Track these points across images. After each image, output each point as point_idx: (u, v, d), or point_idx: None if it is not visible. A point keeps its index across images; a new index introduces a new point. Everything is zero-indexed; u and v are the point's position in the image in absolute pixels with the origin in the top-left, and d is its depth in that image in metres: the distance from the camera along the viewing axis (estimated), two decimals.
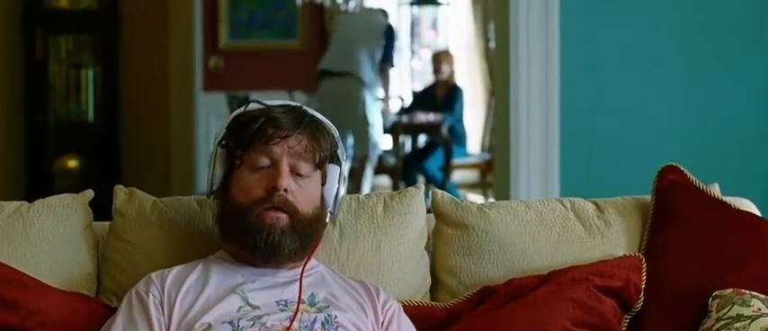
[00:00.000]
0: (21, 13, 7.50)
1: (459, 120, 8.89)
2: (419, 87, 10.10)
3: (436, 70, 8.95)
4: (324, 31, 9.74)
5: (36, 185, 7.42)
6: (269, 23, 9.40)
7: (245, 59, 9.28)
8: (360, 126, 7.86)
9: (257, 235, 2.18)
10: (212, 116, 8.57)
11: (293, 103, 2.31)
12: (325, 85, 7.84)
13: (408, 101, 9.37)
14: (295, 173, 2.23)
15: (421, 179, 8.76)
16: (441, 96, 8.84)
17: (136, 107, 7.72)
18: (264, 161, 2.22)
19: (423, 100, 9.08)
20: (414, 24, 10.53)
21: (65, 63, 7.67)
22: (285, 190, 2.19)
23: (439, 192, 2.58)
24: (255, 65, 9.27)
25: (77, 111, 7.66)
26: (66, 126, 7.66)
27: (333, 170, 2.30)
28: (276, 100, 2.32)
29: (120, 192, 2.50)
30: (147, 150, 7.79)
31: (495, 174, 4.44)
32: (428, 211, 2.58)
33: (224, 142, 2.27)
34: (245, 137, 2.23)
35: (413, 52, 10.48)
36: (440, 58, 9.04)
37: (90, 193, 2.52)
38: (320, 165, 2.27)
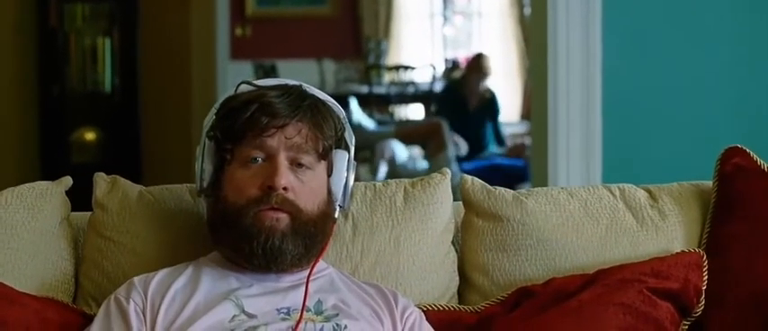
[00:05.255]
0: None
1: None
2: (451, 55, 9.85)
3: (475, 82, 8.14)
4: None
5: (52, 159, 7.38)
6: None
7: (272, 27, 9.31)
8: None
9: (254, 240, 1.98)
10: None
11: (291, 82, 2.09)
12: None
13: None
14: (296, 164, 2.00)
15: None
16: (473, 106, 8.05)
17: (155, 77, 7.63)
18: (259, 155, 2.00)
19: (451, 102, 8.29)
20: None
21: (80, 31, 7.56)
22: (285, 188, 1.97)
23: (469, 177, 2.38)
24: (284, 33, 9.42)
25: (94, 81, 7.59)
26: (82, 97, 7.60)
27: (340, 156, 2.07)
28: (271, 79, 2.12)
29: (101, 180, 2.28)
30: (167, 121, 7.70)
31: (531, 158, 4.25)
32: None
33: (212, 133, 2.03)
34: (236, 127, 2.00)
35: (445, 18, 10.32)
36: (478, 72, 8.20)
37: (68, 181, 2.29)
38: (324, 155, 2.04)
